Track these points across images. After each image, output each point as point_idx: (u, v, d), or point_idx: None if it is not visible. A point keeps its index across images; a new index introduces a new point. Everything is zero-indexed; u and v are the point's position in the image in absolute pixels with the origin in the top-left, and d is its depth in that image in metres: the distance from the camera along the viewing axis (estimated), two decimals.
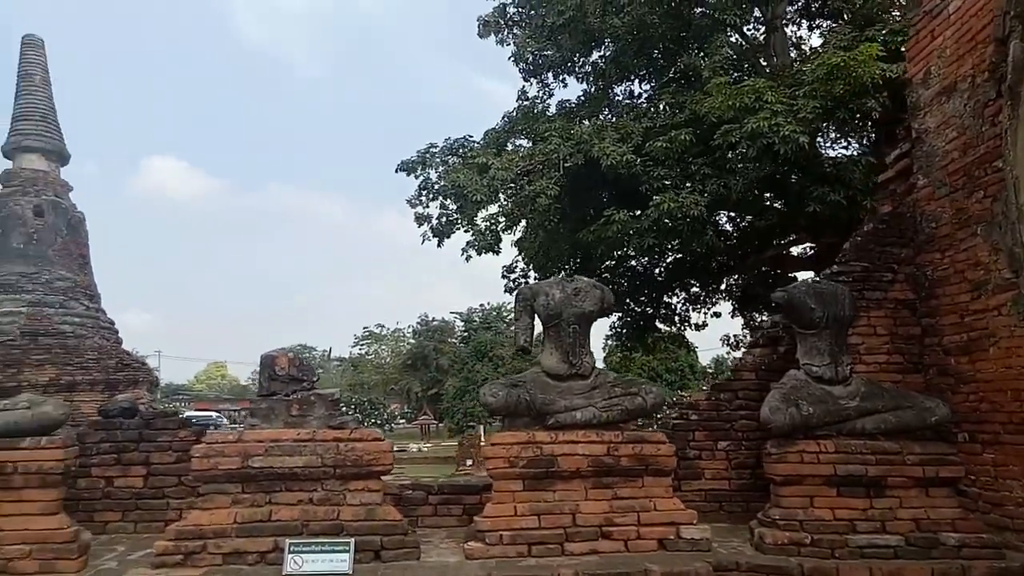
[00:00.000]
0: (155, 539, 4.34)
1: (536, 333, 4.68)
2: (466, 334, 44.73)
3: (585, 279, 4.72)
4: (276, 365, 4.23)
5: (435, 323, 46.85)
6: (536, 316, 4.57)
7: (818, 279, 4.93)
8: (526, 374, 4.52)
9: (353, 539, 3.72)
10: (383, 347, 58.24)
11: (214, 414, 36.17)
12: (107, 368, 14.70)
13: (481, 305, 46.10)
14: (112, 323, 15.94)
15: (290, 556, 3.63)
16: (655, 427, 5.51)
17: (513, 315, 4.62)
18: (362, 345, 60.06)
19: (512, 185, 15.22)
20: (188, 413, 26.55)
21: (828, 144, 10.14)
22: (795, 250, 11.41)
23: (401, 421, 45.64)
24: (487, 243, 15.86)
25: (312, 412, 4.18)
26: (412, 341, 49.28)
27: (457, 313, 46.45)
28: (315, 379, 4.33)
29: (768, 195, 10.02)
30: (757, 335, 5.79)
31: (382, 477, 4.09)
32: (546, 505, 4.07)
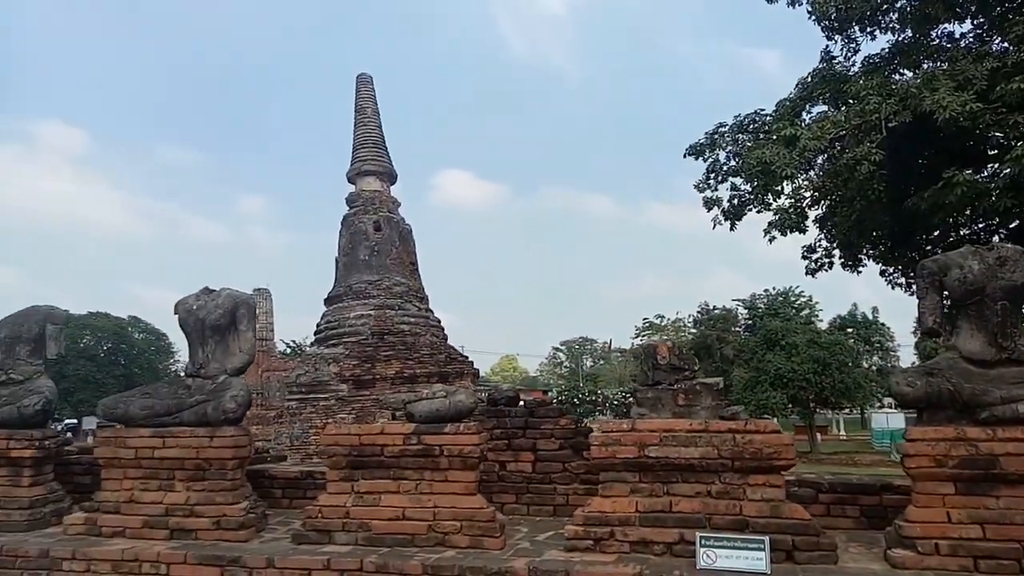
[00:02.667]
0: (549, 521, 4.62)
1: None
2: (750, 322, 42.48)
3: (1010, 246, 3.96)
4: (657, 354, 4.18)
5: (716, 312, 45.15)
6: (946, 292, 3.95)
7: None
8: (939, 360, 3.92)
9: (767, 537, 3.50)
10: (664, 337, 57.75)
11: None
12: (439, 361, 16.38)
13: (766, 291, 43.39)
14: (439, 321, 17.76)
15: (702, 550, 3.52)
16: None
17: (917, 293, 4.04)
18: (643, 336, 60.42)
19: (823, 155, 13.88)
20: None
21: None
22: None
23: None
24: (792, 222, 14.64)
25: (699, 402, 4.05)
26: (693, 331, 48.11)
27: (739, 300, 44.28)
28: (696, 368, 4.20)
29: None
30: None
31: (783, 472, 3.82)
32: (989, 513, 3.47)
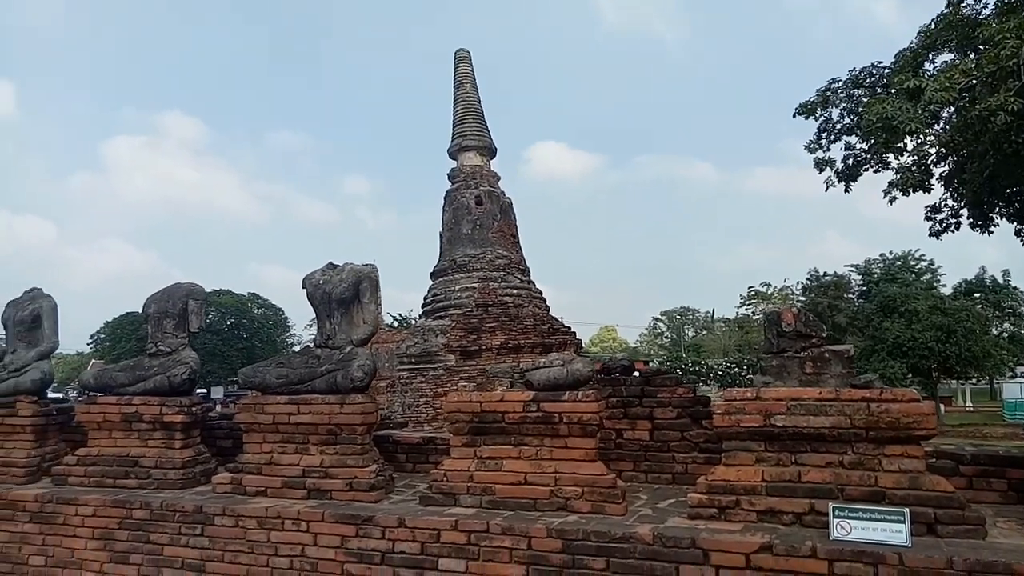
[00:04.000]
0: (668, 489, 4.60)
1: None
2: (864, 288, 40.28)
3: None
4: (782, 321, 4.04)
5: (827, 278, 43.01)
6: None
7: None
8: None
9: (907, 509, 3.35)
10: (770, 306, 55.69)
11: None
12: (542, 332, 16.49)
13: (881, 255, 40.96)
14: (541, 293, 17.86)
15: (835, 521, 3.41)
16: None
17: None
18: (748, 305, 58.52)
19: (951, 107, 12.91)
20: None
21: None
22: None
23: None
24: (915, 180, 13.74)
25: (828, 370, 3.89)
26: (802, 299, 46.11)
27: (852, 266, 41.98)
28: (823, 334, 4.03)
29: None
30: None
31: (922, 443, 3.63)
32: None
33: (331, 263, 5.21)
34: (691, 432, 4.73)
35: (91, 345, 42.58)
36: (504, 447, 4.25)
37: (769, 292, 55.27)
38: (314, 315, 5.20)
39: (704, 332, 74.82)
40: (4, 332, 5.95)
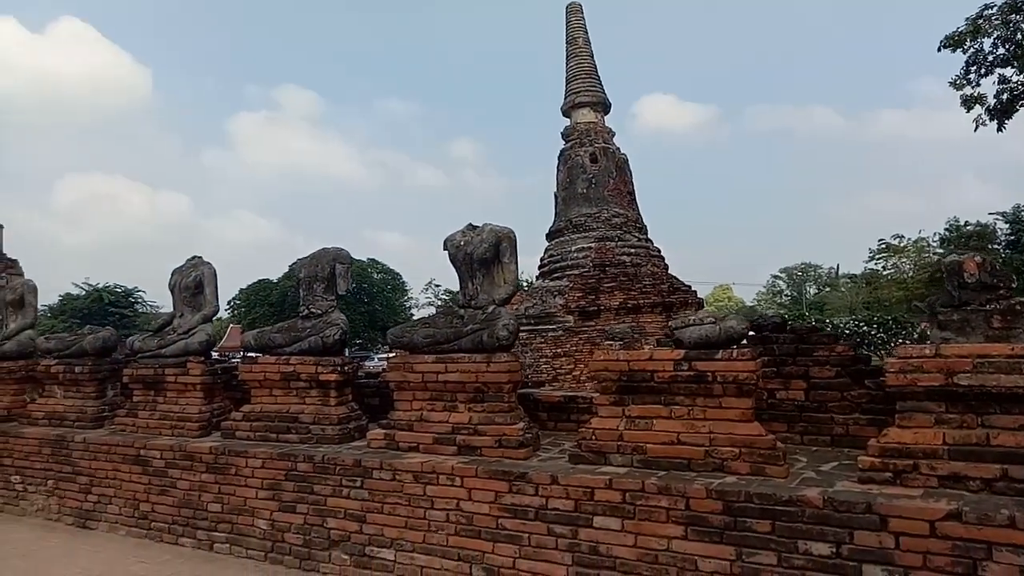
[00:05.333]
0: (828, 452, 4.37)
1: None
2: (1012, 238, 36.73)
3: None
4: (964, 271, 3.69)
5: (969, 227, 39.50)
6: None
7: None
8: None
9: None
10: (903, 260, 51.88)
11: None
12: (662, 292, 16.16)
13: None
14: (659, 251, 17.46)
15: None
16: None
17: None
18: (877, 259, 54.86)
19: None
20: None
21: None
22: None
23: None
24: None
25: (1020, 324, 3.54)
26: (940, 251, 42.67)
27: (998, 214, 38.30)
28: (1013, 285, 3.65)
29: None
30: None
31: None
32: None
33: (471, 224, 5.25)
34: (852, 392, 4.46)
35: (228, 311, 45.78)
36: (654, 406, 4.17)
37: (902, 245, 51.49)
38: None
39: (828, 289, 71.04)
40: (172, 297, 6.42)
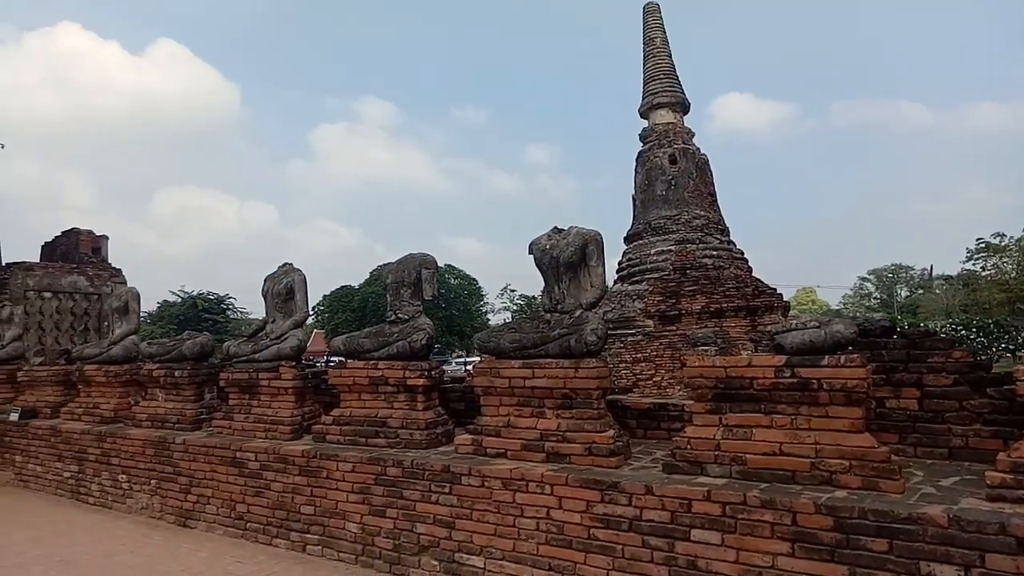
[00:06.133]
0: (946, 466, 4.06)
1: None
2: None
3: None
4: None
5: None
6: None
7: None
8: None
9: None
10: (1005, 260, 48.60)
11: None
12: (746, 295, 15.65)
13: None
14: (742, 253, 16.93)
15: None
16: None
17: None
18: (976, 259, 51.61)
19: None
20: None
21: None
22: None
23: None
24: None
25: None
26: None
27: None
28: None
29: None
30: None
31: None
32: None
33: (556, 227, 5.17)
34: (972, 401, 4.13)
35: (312, 316, 47.25)
36: (753, 415, 3.98)
37: (1003, 243, 48.28)
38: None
39: (920, 291, 67.45)
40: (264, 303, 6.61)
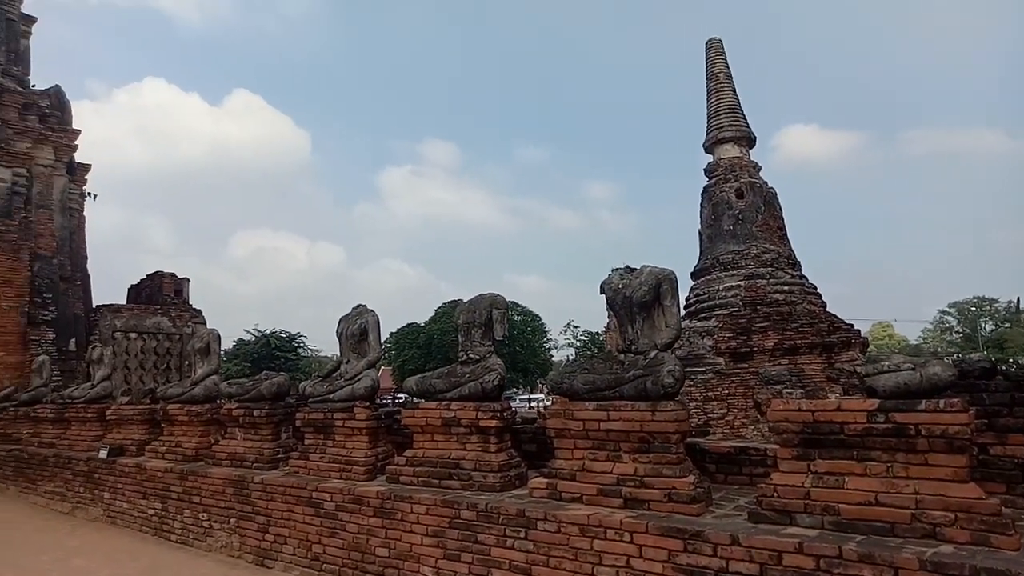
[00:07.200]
0: None
1: None
2: None
3: None
4: None
5: None
6: None
7: None
8: None
9: None
10: None
11: None
12: (820, 331, 15.13)
13: None
14: (815, 288, 16.42)
15: None
16: None
17: None
18: None
19: None
20: None
21: None
22: None
23: None
24: None
25: None
26: None
27: None
28: None
29: None
30: None
31: None
32: None
33: (628, 266, 5.12)
34: None
35: None
36: (845, 462, 3.78)
37: None
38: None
39: (1007, 325, 63.85)
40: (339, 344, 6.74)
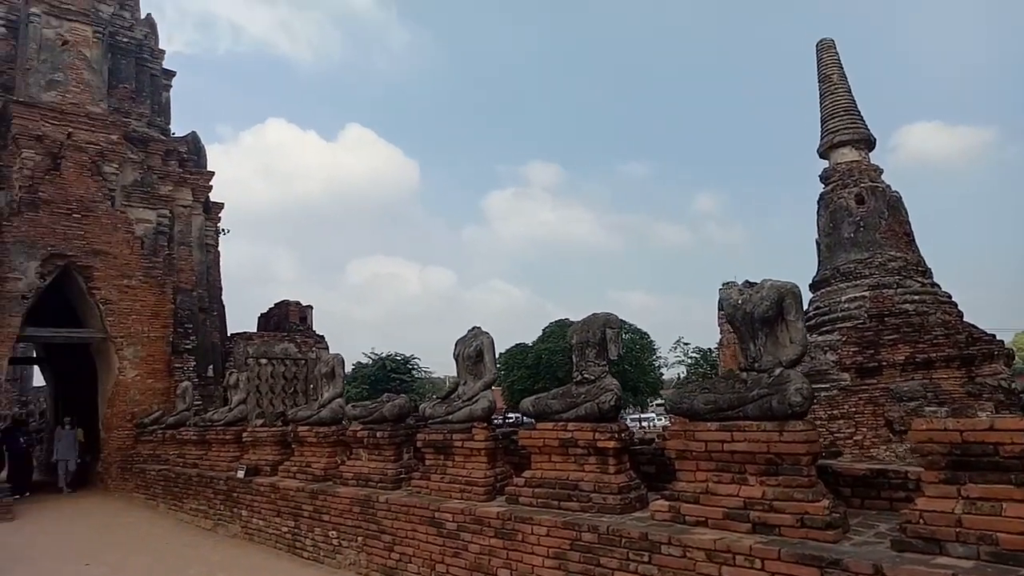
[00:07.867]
0: None
1: None
2: None
3: None
4: None
5: None
6: None
7: None
8: None
9: None
10: None
11: None
12: (957, 343, 14.03)
13: None
14: (949, 296, 15.28)
15: None
16: None
17: None
18: None
19: None
20: None
21: None
22: None
23: None
24: None
25: None
26: None
27: None
28: None
29: None
30: None
31: None
32: None
33: (747, 281, 4.98)
34: None
35: None
36: (1001, 486, 3.48)
37: None
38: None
39: None
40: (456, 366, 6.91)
